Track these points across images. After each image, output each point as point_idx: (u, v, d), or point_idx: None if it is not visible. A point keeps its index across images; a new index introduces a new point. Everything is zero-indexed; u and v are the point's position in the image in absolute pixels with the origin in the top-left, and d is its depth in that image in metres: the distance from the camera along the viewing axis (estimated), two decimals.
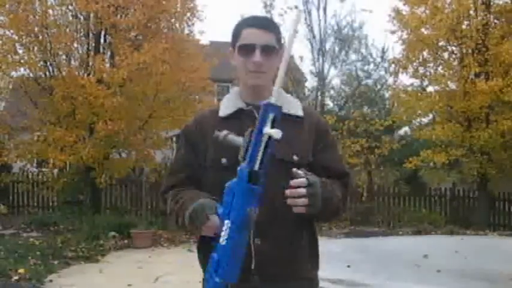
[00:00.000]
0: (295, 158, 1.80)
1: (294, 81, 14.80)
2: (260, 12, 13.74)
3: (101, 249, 8.68)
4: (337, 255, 7.61)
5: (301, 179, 1.62)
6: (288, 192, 1.62)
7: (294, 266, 1.81)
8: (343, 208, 1.85)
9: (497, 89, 11.32)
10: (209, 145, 1.81)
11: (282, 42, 1.91)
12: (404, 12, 12.67)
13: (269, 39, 1.80)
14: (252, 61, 1.79)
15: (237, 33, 1.84)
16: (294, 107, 1.89)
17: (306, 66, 43.60)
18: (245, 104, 1.85)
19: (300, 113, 1.88)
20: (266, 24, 1.84)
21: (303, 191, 1.61)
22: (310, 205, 1.63)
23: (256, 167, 1.52)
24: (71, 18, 11.37)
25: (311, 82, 17.87)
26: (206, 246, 1.81)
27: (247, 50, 1.79)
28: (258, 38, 1.79)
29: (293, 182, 1.62)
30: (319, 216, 1.78)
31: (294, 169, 1.65)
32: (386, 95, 18.08)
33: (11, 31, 10.73)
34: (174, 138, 13.56)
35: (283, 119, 1.77)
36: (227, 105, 1.88)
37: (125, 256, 8.47)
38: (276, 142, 1.61)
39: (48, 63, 11.05)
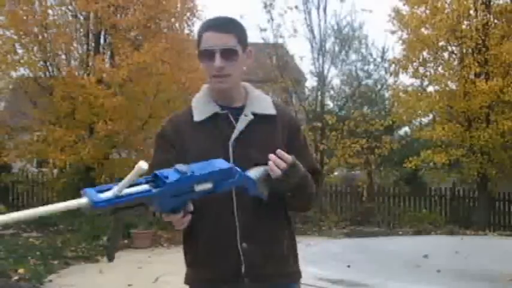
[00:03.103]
0: None
1: (294, 81, 14.78)
2: (260, 12, 13.75)
3: (101, 249, 8.68)
4: (337, 255, 7.61)
5: (289, 156, 1.68)
6: (272, 157, 1.66)
7: (280, 264, 1.85)
8: (313, 201, 1.89)
9: (497, 89, 11.31)
10: (186, 150, 1.80)
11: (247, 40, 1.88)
12: (404, 12, 12.67)
13: (228, 41, 1.77)
14: (213, 66, 1.77)
15: (199, 38, 1.83)
16: (266, 105, 1.89)
17: (306, 66, 43.78)
18: (219, 107, 1.84)
19: (273, 111, 1.88)
20: (225, 26, 1.80)
21: (284, 165, 1.66)
22: (288, 176, 1.67)
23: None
24: (70, 18, 11.39)
25: (311, 82, 17.89)
26: (189, 238, 1.87)
27: (207, 55, 1.78)
28: (217, 42, 1.77)
29: (278, 152, 1.66)
30: (292, 200, 1.81)
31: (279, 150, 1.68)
32: (386, 95, 18.06)
33: (11, 31, 10.73)
34: None
35: (257, 120, 1.83)
36: (201, 110, 1.85)
37: (125, 256, 8.45)
38: (252, 145, 1.75)
39: (48, 63, 11.06)
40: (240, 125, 1.81)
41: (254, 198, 1.74)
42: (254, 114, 1.83)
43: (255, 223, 1.78)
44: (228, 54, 1.77)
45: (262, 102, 1.89)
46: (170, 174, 1.40)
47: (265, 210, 1.79)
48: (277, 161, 1.66)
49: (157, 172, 1.38)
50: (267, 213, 1.80)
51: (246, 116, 1.83)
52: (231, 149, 1.78)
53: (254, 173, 1.65)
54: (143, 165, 1.28)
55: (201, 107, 1.86)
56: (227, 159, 1.71)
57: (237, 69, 1.82)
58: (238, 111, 1.84)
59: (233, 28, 1.81)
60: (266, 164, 1.74)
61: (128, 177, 1.29)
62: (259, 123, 1.83)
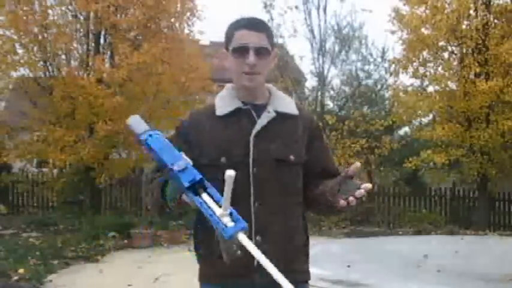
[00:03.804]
0: (291, 157, 1.85)
1: (294, 81, 14.78)
2: (260, 12, 13.75)
3: (101, 249, 8.68)
4: (337, 255, 7.61)
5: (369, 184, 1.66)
6: (360, 193, 1.63)
7: (292, 260, 1.85)
8: None
9: (498, 89, 11.31)
10: (205, 143, 1.83)
11: (274, 41, 1.94)
12: (404, 12, 12.65)
13: (262, 41, 1.83)
14: (246, 63, 1.81)
15: (230, 35, 1.86)
16: (289, 105, 1.93)
17: (306, 66, 43.70)
18: (242, 103, 1.87)
19: (295, 111, 1.92)
20: (258, 25, 1.86)
21: (363, 194, 1.64)
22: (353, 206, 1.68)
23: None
24: (70, 18, 11.38)
25: (311, 82, 17.87)
26: (202, 231, 1.87)
27: (241, 52, 1.81)
28: (252, 40, 1.81)
29: (365, 187, 1.63)
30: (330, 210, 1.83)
31: (353, 169, 1.66)
32: (386, 95, 18.03)
33: (11, 31, 10.74)
34: None
35: (279, 118, 1.86)
36: (224, 104, 1.89)
37: (125, 256, 8.46)
38: (273, 141, 1.79)
39: (48, 63, 11.06)
40: (262, 121, 1.84)
41: (272, 192, 1.78)
42: (276, 112, 1.87)
43: (271, 218, 1.79)
44: (261, 52, 1.82)
45: (285, 102, 1.93)
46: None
47: (283, 206, 1.82)
48: (362, 194, 1.63)
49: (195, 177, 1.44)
50: (284, 209, 1.82)
51: (269, 112, 1.86)
52: (251, 143, 1.81)
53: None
54: (230, 172, 1.31)
55: (224, 103, 1.90)
56: (247, 153, 1.78)
57: (266, 68, 1.87)
58: (261, 108, 1.87)
59: (264, 28, 1.87)
60: (285, 160, 1.79)
61: (227, 191, 1.33)
62: (281, 121, 1.86)
